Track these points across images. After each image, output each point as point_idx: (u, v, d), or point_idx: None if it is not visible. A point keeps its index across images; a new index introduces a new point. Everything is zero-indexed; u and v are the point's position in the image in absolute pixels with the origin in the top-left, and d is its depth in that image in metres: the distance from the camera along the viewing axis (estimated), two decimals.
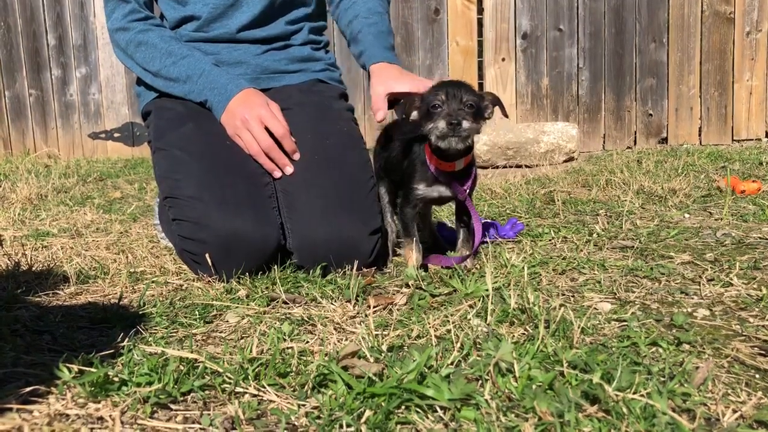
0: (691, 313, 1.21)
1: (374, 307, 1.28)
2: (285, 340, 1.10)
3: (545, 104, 4.64)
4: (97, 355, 0.97)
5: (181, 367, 0.95)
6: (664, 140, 4.65)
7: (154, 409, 0.86)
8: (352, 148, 1.68)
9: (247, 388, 0.91)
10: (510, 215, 2.26)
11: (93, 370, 0.89)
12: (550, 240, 1.85)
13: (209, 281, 1.48)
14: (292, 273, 1.54)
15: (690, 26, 4.55)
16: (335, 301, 1.33)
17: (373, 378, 0.89)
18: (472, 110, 1.41)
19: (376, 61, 1.69)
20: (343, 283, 1.42)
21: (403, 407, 0.84)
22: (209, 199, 1.48)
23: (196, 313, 1.28)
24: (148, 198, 3.01)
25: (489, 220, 1.99)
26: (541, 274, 1.50)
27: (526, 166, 3.64)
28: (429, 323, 1.15)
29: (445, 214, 2.34)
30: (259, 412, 0.86)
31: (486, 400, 0.84)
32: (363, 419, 0.80)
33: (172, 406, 0.87)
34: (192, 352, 0.98)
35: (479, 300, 1.27)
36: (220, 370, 0.95)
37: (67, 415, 0.83)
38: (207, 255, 1.46)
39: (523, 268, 1.44)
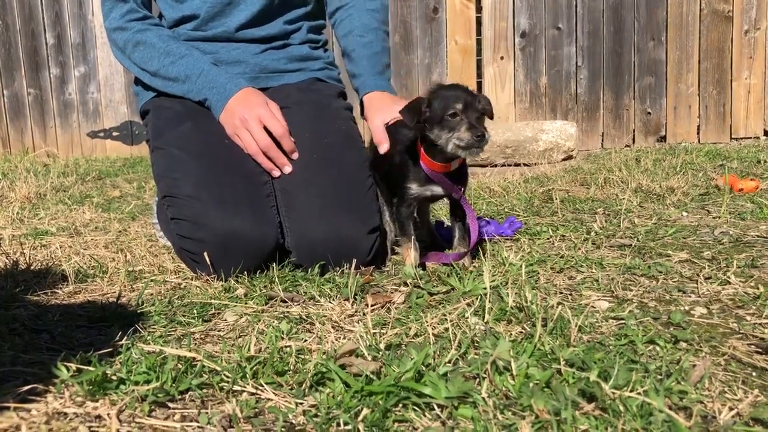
0: (689, 311, 1.21)
1: (372, 305, 1.28)
2: (283, 338, 1.10)
3: (544, 103, 4.64)
4: (95, 354, 0.98)
5: (179, 366, 0.95)
6: (663, 138, 4.65)
7: (152, 407, 0.86)
8: (351, 147, 1.68)
9: (245, 387, 0.91)
10: (508, 213, 2.27)
11: (91, 368, 0.89)
12: (548, 238, 1.85)
13: (208, 280, 1.49)
14: (290, 272, 1.54)
15: (688, 24, 4.55)
16: (333, 299, 1.33)
17: (371, 376, 0.89)
18: (483, 118, 1.44)
19: (368, 91, 1.76)
20: (342, 281, 1.42)
21: (400, 405, 0.84)
22: (207, 198, 1.48)
23: (195, 311, 1.28)
24: (146, 197, 3.01)
25: (486, 219, 1.99)
26: (539, 273, 1.50)
27: (525, 165, 3.63)
28: (427, 321, 1.15)
29: (444, 212, 2.34)
30: (256, 410, 0.86)
31: (483, 398, 0.84)
32: (360, 417, 0.81)
33: (170, 405, 0.87)
34: (190, 351, 0.98)
35: (477, 298, 1.27)
36: (218, 369, 0.95)
37: (65, 414, 0.84)
38: (205, 254, 1.46)
39: (521, 266, 1.44)
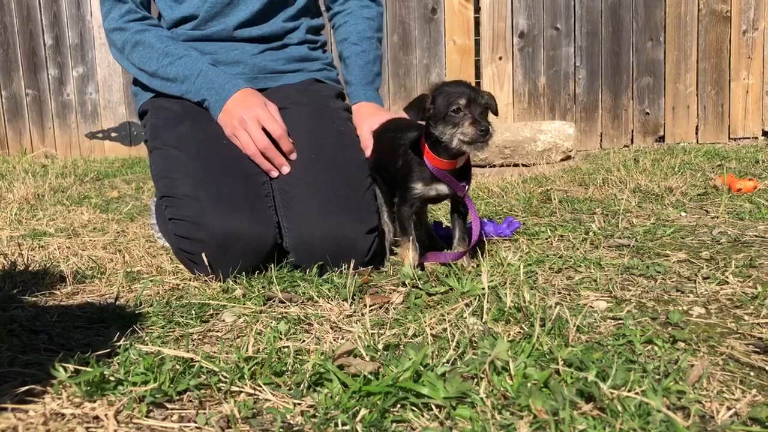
0: (687, 311, 1.21)
1: (371, 305, 1.28)
2: (281, 339, 1.10)
3: (542, 103, 4.64)
4: (93, 355, 0.97)
5: (177, 366, 0.95)
6: (661, 139, 4.66)
7: (150, 408, 0.86)
8: (349, 147, 1.69)
9: (243, 387, 0.91)
10: (507, 214, 2.27)
11: (89, 369, 0.89)
12: (546, 238, 1.85)
13: (206, 280, 1.48)
14: (288, 272, 1.54)
15: (687, 25, 4.55)
16: (332, 300, 1.33)
17: (369, 377, 0.89)
18: (487, 113, 1.44)
19: (357, 101, 1.91)
20: (340, 282, 1.42)
21: (398, 406, 0.84)
22: (206, 199, 1.48)
23: (193, 312, 1.28)
24: (145, 197, 3.00)
25: (485, 220, 1.99)
26: (537, 273, 1.50)
27: (523, 165, 3.64)
28: (425, 322, 1.15)
29: (442, 213, 2.34)
30: (254, 411, 0.86)
31: (481, 398, 0.84)
32: (358, 418, 0.81)
33: (168, 405, 0.87)
34: (188, 352, 0.98)
35: (475, 298, 1.27)
36: (216, 369, 0.95)
37: (63, 415, 0.83)
38: (203, 254, 1.46)
39: (519, 266, 1.44)
